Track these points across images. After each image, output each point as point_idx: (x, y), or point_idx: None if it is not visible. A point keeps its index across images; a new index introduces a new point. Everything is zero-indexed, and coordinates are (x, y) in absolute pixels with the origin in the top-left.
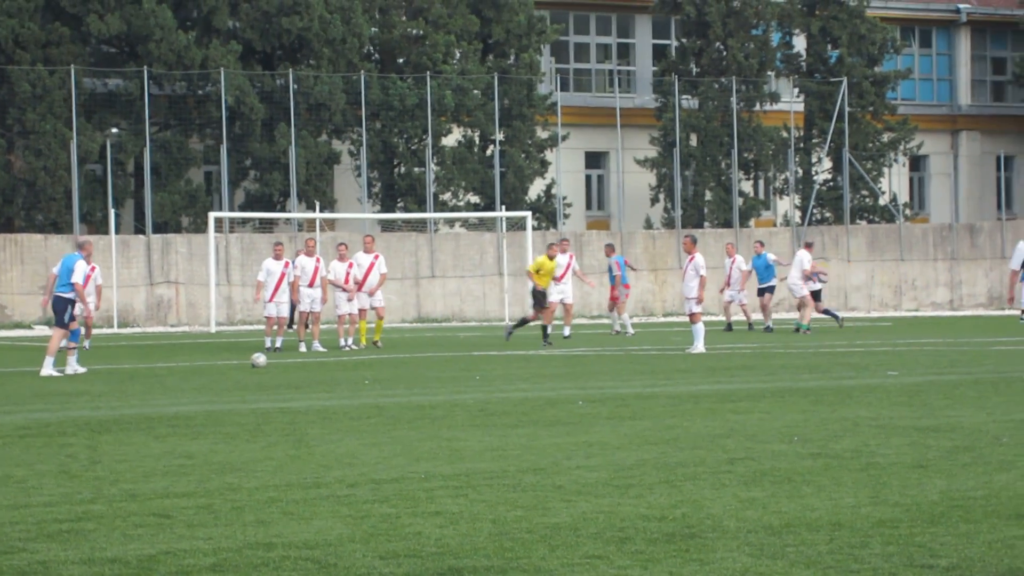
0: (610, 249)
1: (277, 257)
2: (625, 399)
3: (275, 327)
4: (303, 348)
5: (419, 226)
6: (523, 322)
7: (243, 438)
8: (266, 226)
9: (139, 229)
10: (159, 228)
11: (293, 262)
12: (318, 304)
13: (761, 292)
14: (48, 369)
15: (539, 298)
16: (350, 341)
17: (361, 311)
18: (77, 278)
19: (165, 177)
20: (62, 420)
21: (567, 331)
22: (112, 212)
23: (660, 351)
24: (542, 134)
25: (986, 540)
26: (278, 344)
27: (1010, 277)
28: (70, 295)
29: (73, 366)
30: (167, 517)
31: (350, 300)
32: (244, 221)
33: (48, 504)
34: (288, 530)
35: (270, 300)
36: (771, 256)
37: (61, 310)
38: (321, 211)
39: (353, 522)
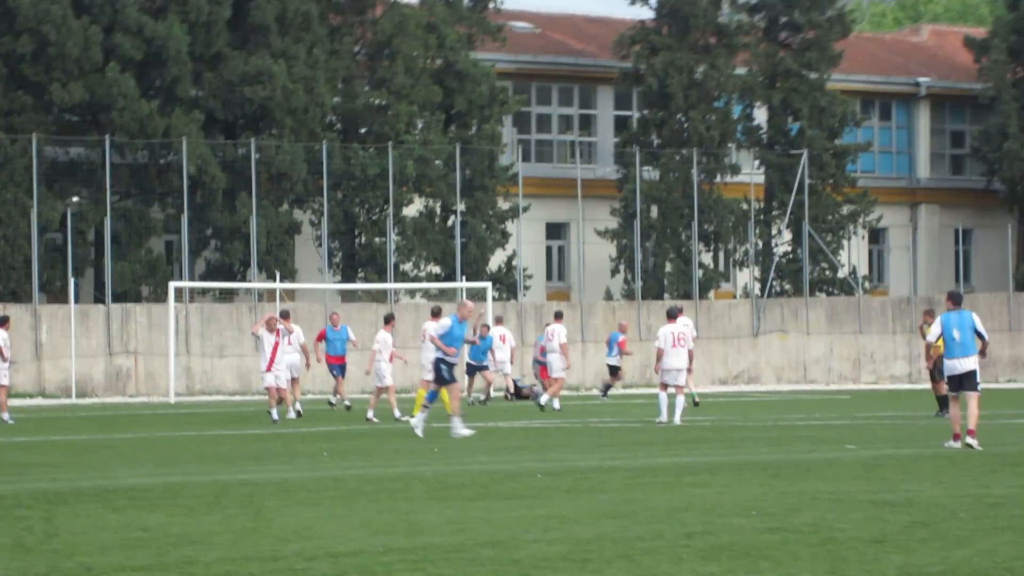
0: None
1: (270, 329)
2: (584, 472)
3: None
4: (291, 414)
5: (380, 296)
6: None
7: (201, 510)
8: (226, 296)
9: (99, 298)
10: (119, 297)
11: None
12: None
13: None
14: None
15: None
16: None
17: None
18: None
19: (126, 246)
20: (18, 492)
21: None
22: (72, 281)
23: (620, 423)
24: (503, 205)
25: None
26: (288, 413)
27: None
28: None
29: None
30: None
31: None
32: (204, 291)
33: None
34: None
35: (267, 370)
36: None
37: None
38: (282, 281)
39: None
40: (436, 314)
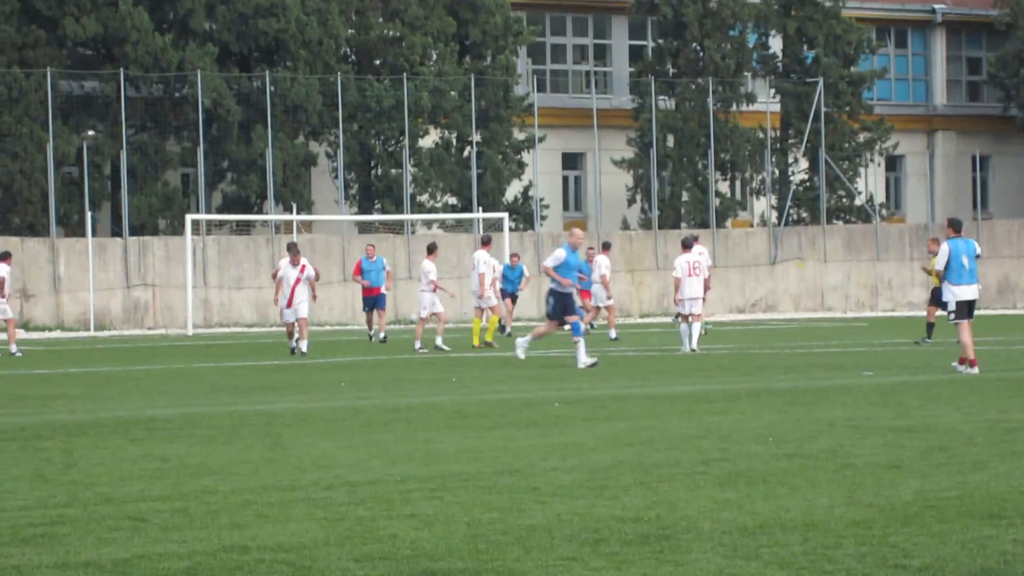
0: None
1: (294, 264)
2: (601, 401)
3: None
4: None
5: (396, 228)
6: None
7: (219, 441)
8: (243, 228)
9: (116, 232)
10: (136, 231)
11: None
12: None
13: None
14: None
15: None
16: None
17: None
18: None
19: (142, 180)
20: (37, 424)
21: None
22: (89, 215)
23: (637, 352)
24: (519, 135)
25: (959, 540)
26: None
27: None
28: None
29: None
30: (142, 521)
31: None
32: (221, 223)
33: (22, 508)
34: (263, 533)
35: (288, 306)
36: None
37: None
38: (298, 213)
39: (328, 525)
40: (486, 243)
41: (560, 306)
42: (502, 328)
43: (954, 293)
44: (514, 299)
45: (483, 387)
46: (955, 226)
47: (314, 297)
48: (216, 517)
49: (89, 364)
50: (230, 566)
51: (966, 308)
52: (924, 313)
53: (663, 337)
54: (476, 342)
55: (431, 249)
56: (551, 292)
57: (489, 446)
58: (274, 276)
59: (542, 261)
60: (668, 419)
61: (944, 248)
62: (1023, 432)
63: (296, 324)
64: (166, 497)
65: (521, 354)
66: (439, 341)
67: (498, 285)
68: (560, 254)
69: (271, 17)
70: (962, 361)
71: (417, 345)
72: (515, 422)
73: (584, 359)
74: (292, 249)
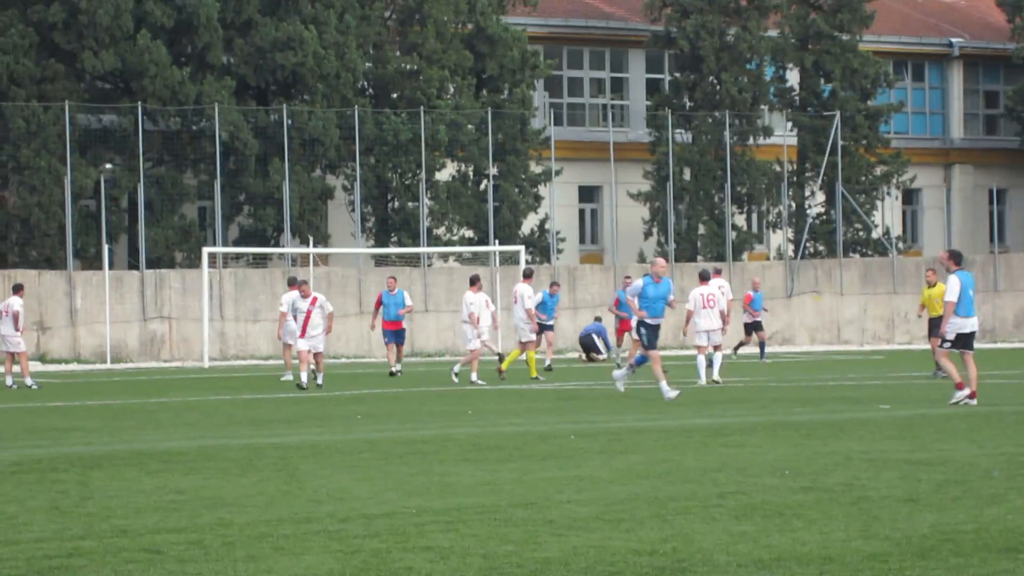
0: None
1: (304, 295)
2: (617, 433)
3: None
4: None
5: (412, 260)
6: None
7: (235, 473)
8: (260, 261)
9: (133, 264)
10: (152, 263)
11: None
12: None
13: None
14: None
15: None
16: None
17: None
18: None
19: (159, 212)
20: (54, 456)
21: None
22: (106, 247)
23: (652, 385)
24: (536, 168)
25: (976, 574)
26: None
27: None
28: None
29: None
30: (158, 553)
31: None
32: (238, 256)
33: (38, 540)
34: (279, 565)
35: (301, 336)
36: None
37: None
38: (314, 246)
39: (344, 557)
40: (528, 276)
41: (653, 336)
42: (548, 367)
43: (959, 325)
44: (546, 330)
45: (499, 420)
46: (956, 259)
47: (328, 330)
48: (232, 549)
49: (105, 397)
50: None
51: (964, 340)
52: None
53: (678, 370)
54: (533, 373)
55: (473, 281)
56: (640, 323)
57: (505, 479)
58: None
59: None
60: (684, 452)
61: (955, 281)
62: None
63: (312, 358)
64: (182, 529)
65: (621, 387)
66: (473, 376)
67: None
68: (639, 284)
69: (288, 51)
70: (960, 386)
71: (473, 376)
72: (531, 455)
73: (619, 382)
74: (297, 282)
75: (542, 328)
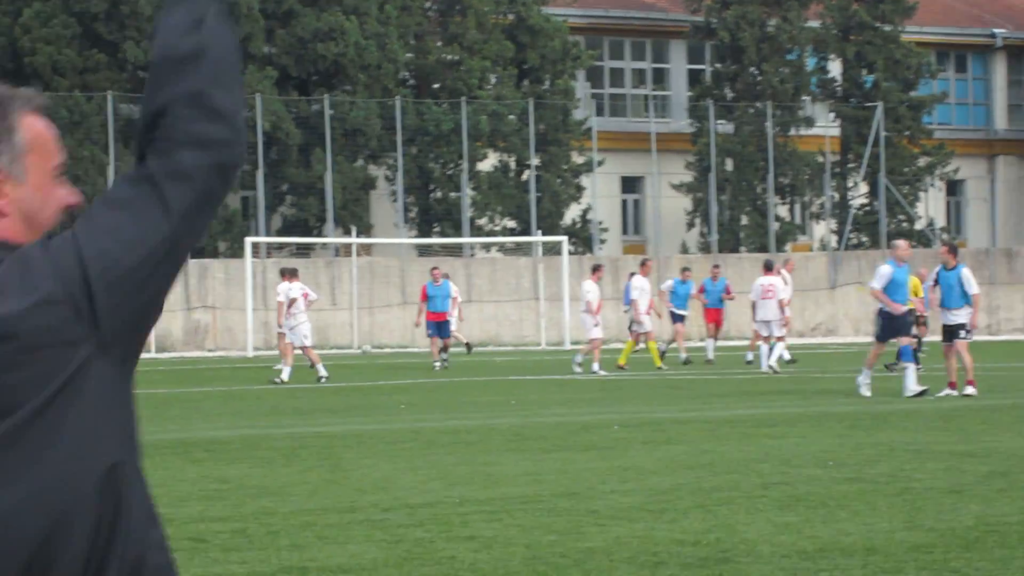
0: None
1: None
2: (661, 424)
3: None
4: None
5: (455, 250)
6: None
7: (279, 462)
8: (303, 251)
9: None
10: (196, 253)
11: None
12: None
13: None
14: None
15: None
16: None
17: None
18: None
19: None
20: None
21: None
22: None
23: (696, 376)
24: (577, 159)
25: (1021, 565)
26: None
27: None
28: None
29: None
30: (202, 541)
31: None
32: (281, 246)
33: None
34: (323, 554)
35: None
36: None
37: None
38: (357, 236)
39: (387, 546)
40: (644, 265)
41: (891, 327)
42: (686, 361)
43: (944, 318)
44: (683, 319)
45: (542, 410)
46: (956, 252)
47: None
48: (276, 538)
49: (150, 386)
50: None
51: (950, 332)
52: (986, 337)
53: (722, 360)
54: (622, 361)
55: (594, 269)
56: (880, 312)
57: (548, 468)
58: (291, 303)
59: (600, 284)
60: (727, 442)
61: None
62: None
63: (299, 350)
64: (226, 518)
65: (866, 391)
66: (595, 366)
67: (663, 308)
68: (886, 271)
69: (330, 41)
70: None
71: (595, 367)
72: (574, 445)
73: (913, 386)
74: (293, 273)
75: (674, 319)
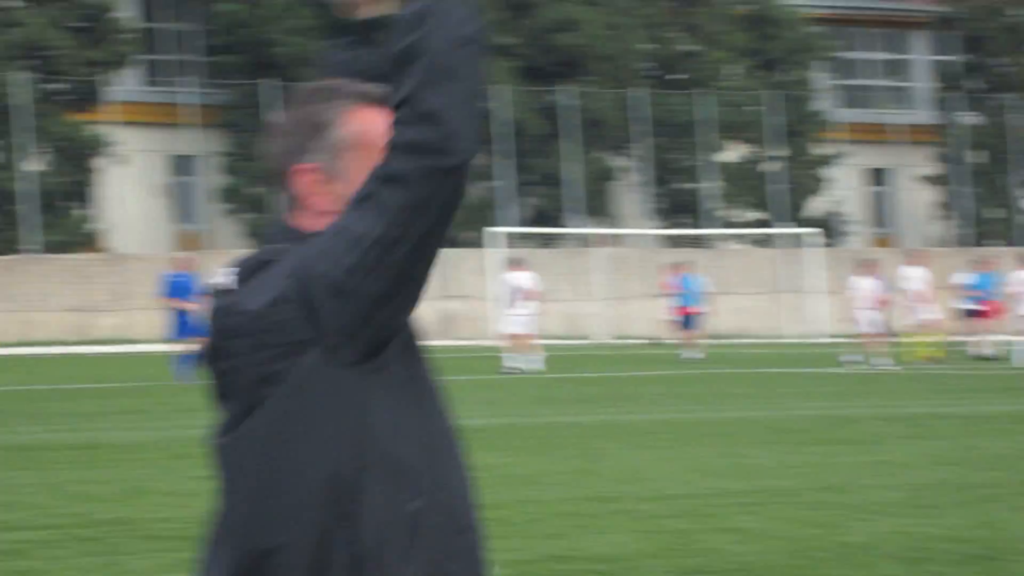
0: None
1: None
2: (919, 418)
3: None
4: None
5: (699, 242)
6: None
7: (534, 451)
8: (549, 241)
9: None
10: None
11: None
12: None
13: None
14: None
15: None
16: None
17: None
18: None
19: None
20: None
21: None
22: None
23: (956, 370)
24: (820, 150)
25: None
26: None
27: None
28: None
29: None
30: None
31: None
32: (526, 236)
33: None
34: (583, 543)
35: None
36: None
37: None
38: (603, 227)
39: (646, 537)
40: (908, 257)
41: None
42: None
43: None
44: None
45: (800, 403)
46: None
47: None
48: (536, 526)
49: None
50: (553, 575)
51: None
52: None
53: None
54: (920, 355)
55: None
56: None
57: (806, 462)
58: (524, 293)
59: (850, 276)
60: (987, 438)
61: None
62: None
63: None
64: (486, 506)
65: None
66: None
67: (953, 300)
68: None
69: (569, 32)
70: None
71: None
72: (832, 438)
73: None
74: (519, 264)
75: (970, 312)
